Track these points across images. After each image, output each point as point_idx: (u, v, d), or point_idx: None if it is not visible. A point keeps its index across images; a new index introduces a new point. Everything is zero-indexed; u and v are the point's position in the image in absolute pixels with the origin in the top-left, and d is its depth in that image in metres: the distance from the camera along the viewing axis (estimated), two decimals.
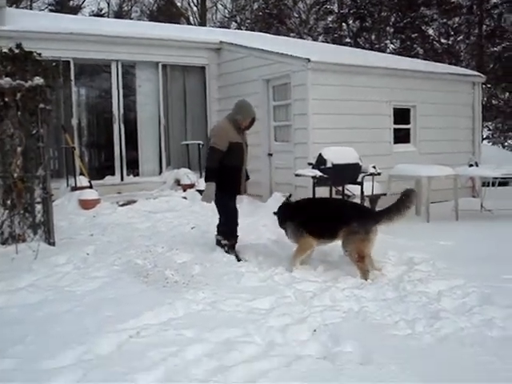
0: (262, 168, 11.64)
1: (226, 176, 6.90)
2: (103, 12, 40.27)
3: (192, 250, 6.98)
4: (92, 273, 6.00)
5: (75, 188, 10.64)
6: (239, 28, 34.71)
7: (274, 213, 6.93)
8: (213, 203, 7.12)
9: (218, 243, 7.09)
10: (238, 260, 6.73)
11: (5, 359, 3.78)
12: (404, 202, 6.05)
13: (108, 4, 41.89)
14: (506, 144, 29.67)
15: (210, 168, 6.97)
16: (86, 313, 4.68)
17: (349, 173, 9.12)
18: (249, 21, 36.22)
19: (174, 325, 4.42)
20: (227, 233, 7.12)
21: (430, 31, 31.59)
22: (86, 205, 10.11)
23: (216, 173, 6.85)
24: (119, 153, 12.05)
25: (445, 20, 30.45)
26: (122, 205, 10.52)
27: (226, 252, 6.92)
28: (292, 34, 33.21)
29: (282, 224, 6.73)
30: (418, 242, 7.57)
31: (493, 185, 10.52)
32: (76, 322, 4.46)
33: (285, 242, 6.93)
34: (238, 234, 7.17)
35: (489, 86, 26.43)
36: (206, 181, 7.03)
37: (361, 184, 9.23)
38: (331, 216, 6.23)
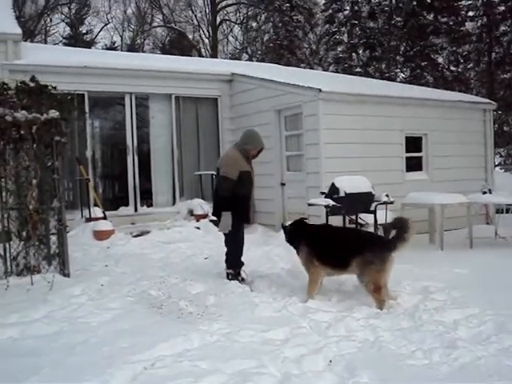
0: (275, 198, 11.67)
1: (235, 205, 6.95)
2: (116, 45, 40.97)
3: (206, 281, 6.99)
4: (106, 304, 6.00)
5: (89, 219, 10.71)
6: (250, 59, 35.12)
7: (284, 226, 6.87)
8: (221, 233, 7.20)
9: (227, 276, 7.14)
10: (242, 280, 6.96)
11: None
12: (403, 230, 5.91)
13: (121, 37, 42.66)
14: None
15: (223, 197, 7.03)
16: (100, 344, 4.67)
17: (362, 201, 9.13)
18: (260, 52, 36.65)
19: (188, 356, 4.40)
20: (232, 262, 7.22)
21: (440, 59, 31.81)
22: (100, 236, 10.16)
23: (229, 202, 6.92)
24: (133, 184, 12.13)
25: (454, 48, 30.66)
26: (136, 235, 10.56)
27: (230, 280, 7.02)
28: (302, 65, 33.55)
29: (291, 242, 6.64)
30: (432, 271, 7.52)
31: (507, 212, 10.48)
32: (91, 354, 4.46)
33: (298, 272, 6.92)
34: (244, 261, 7.27)
35: (499, 112, 26.43)
36: (220, 210, 7.07)
37: (374, 213, 9.23)
38: (344, 246, 6.13)
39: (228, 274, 7.17)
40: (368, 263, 5.83)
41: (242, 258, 7.34)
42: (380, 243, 6.17)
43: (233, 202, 6.95)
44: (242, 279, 7.10)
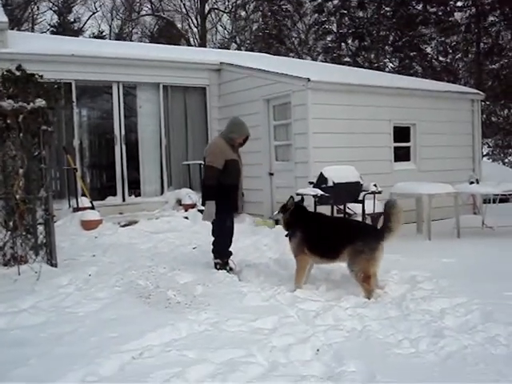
0: (264, 187, 11.67)
1: (223, 194, 6.95)
2: (104, 34, 40.64)
3: (194, 271, 7.00)
4: (94, 294, 5.98)
5: (77, 209, 10.67)
6: (239, 49, 34.99)
7: (285, 207, 6.62)
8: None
9: (215, 266, 7.14)
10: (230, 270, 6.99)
11: (8, 382, 3.76)
12: (392, 214, 5.91)
13: (110, 26, 42.32)
14: (506, 161, 29.71)
15: (208, 186, 7.04)
16: (88, 334, 4.66)
17: (350, 191, 9.15)
18: (248, 41, 36.51)
19: (176, 346, 4.39)
20: (220, 252, 7.22)
21: (429, 49, 31.86)
22: (88, 226, 10.13)
23: (215, 191, 6.92)
24: (121, 173, 12.08)
25: (443, 38, 30.70)
26: (124, 225, 10.54)
27: (218, 269, 7.02)
28: (291, 54, 33.49)
29: (288, 225, 6.49)
30: (420, 260, 7.56)
31: (494, 202, 10.53)
32: (79, 344, 4.45)
33: (286, 261, 6.95)
34: (232, 251, 7.29)
35: (488, 103, 26.53)
36: (204, 199, 7.10)
37: (362, 202, 9.25)
38: (336, 236, 6.12)
39: (216, 264, 7.17)
40: (359, 253, 5.83)
41: (231, 248, 7.34)
42: (370, 232, 6.20)
43: (219, 191, 6.93)
44: (230, 269, 7.10)
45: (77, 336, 4.65)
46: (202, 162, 12.24)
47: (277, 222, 7.15)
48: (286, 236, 6.50)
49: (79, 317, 5.21)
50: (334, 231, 6.25)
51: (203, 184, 7.33)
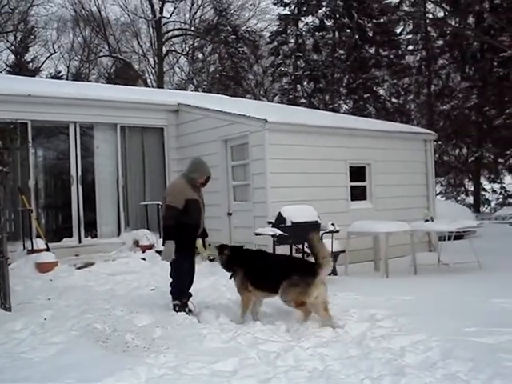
0: (222, 227, 11.63)
1: (182, 234, 6.89)
2: (61, 74, 40.52)
3: (152, 313, 6.87)
4: (50, 338, 5.81)
5: (32, 251, 10.43)
6: (196, 90, 35.26)
7: (220, 249, 6.93)
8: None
9: (174, 308, 7.04)
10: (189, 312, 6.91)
11: None
12: (316, 249, 6.23)
13: (67, 67, 42.24)
14: (458, 199, 30.43)
15: (167, 226, 7.01)
16: (44, 380, 4.52)
17: (308, 230, 9.16)
18: (206, 83, 36.88)
19: None
20: (178, 293, 7.12)
21: (381, 91, 32.76)
22: (43, 268, 9.90)
23: (173, 231, 6.86)
24: (77, 214, 11.89)
25: (395, 81, 31.66)
26: (80, 267, 10.34)
27: (177, 311, 6.91)
28: (248, 96, 33.92)
29: (227, 267, 6.82)
30: (378, 298, 7.61)
31: (448, 239, 10.72)
32: None
33: None
34: (192, 293, 7.23)
35: (440, 143, 27.27)
36: (164, 239, 7.02)
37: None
38: (275, 270, 6.42)
39: (174, 306, 7.06)
40: (292, 286, 6.09)
41: (191, 289, 7.26)
42: (306, 267, 6.38)
43: (179, 232, 6.88)
44: (190, 310, 7.00)
45: (32, 382, 4.50)
46: (160, 203, 12.24)
47: (212, 260, 7.31)
48: (230, 278, 6.81)
49: (34, 362, 5.06)
50: (272, 265, 6.59)
51: (163, 224, 7.27)
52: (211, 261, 7.39)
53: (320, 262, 6.10)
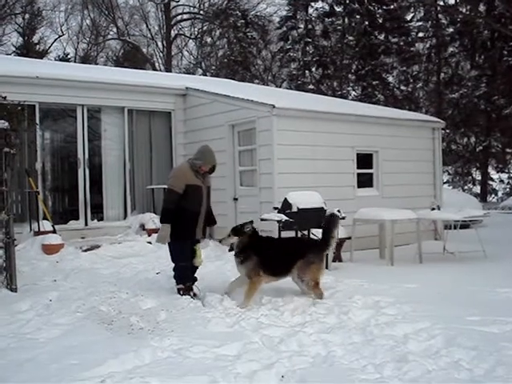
0: (228, 213, 11.64)
1: (181, 219, 6.94)
2: (69, 57, 40.45)
3: (157, 296, 6.92)
4: (55, 320, 5.86)
5: (38, 233, 10.48)
6: (204, 74, 35.17)
7: (237, 231, 6.97)
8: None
9: (178, 292, 7.07)
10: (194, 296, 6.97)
11: None
12: (330, 226, 7.11)
13: (75, 49, 42.16)
14: (465, 188, 30.35)
15: (165, 209, 7.09)
16: (49, 361, 4.55)
17: (314, 217, 9.20)
18: (214, 67, 36.74)
19: (139, 373, 4.32)
20: (181, 277, 7.15)
21: (390, 79, 32.56)
22: (50, 250, 9.95)
23: (172, 214, 6.92)
24: (83, 197, 11.93)
25: (404, 68, 31.44)
26: (86, 250, 10.38)
27: (181, 295, 6.95)
28: (256, 81, 33.77)
29: (241, 251, 6.83)
30: (383, 286, 7.62)
31: (454, 228, 10.69)
32: (39, 371, 4.34)
33: None
34: (197, 277, 7.29)
35: (448, 131, 27.15)
36: (161, 222, 7.10)
37: None
38: (288, 253, 6.88)
39: (179, 290, 7.09)
40: (310, 263, 6.72)
41: (196, 274, 7.29)
42: (316, 245, 7.16)
43: (178, 216, 6.91)
44: (194, 294, 7.03)
45: (37, 363, 4.54)
46: (166, 187, 12.28)
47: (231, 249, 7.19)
48: (236, 256, 6.87)
49: (39, 343, 5.09)
50: (285, 250, 6.99)
51: (162, 206, 7.33)
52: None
53: (329, 241, 7.00)
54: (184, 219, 6.96)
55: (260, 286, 6.66)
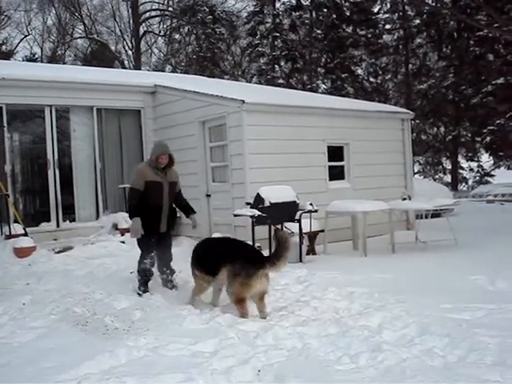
0: (201, 209, 11.61)
1: (144, 214, 7.13)
2: (37, 57, 39.90)
3: (132, 295, 6.92)
4: (29, 323, 5.81)
5: (9, 236, 10.35)
6: (174, 71, 34.99)
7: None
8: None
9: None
10: (139, 295, 7.04)
11: None
12: (283, 245, 5.89)
13: (41, 49, 41.60)
14: (436, 177, 30.71)
15: (131, 205, 7.31)
16: (24, 365, 4.52)
17: (287, 211, 9.25)
18: (183, 64, 36.57)
19: (115, 373, 4.31)
20: (141, 282, 7.33)
21: (359, 71, 32.81)
22: (21, 253, 9.83)
23: (137, 209, 7.13)
24: (54, 198, 11.79)
25: (373, 60, 31.69)
26: (59, 252, 10.26)
27: (138, 288, 7.19)
28: (226, 77, 33.72)
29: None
30: (356, 277, 7.69)
31: (426, 217, 10.82)
32: (15, 375, 4.31)
33: None
34: (174, 269, 7.39)
35: (417, 122, 27.44)
36: (130, 218, 7.31)
37: (299, 221, 9.36)
38: (217, 255, 6.34)
39: (138, 293, 7.17)
40: (235, 275, 5.89)
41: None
42: (252, 257, 6.14)
43: (141, 212, 7.11)
44: (174, 286, 7.20)
45: (12, 367, 4.51)
46: None
47: None
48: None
49: (14, 347, 5.05)
50: (216, 251, 6.50)
51: (127, 204, 7.59)
52: None
53: (278, 261, 5.86)
54: (147, 214, 7.14)
55: (198, 286, 6.54)
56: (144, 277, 7.32)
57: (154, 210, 7.23)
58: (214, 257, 6.33)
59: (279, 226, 9.30)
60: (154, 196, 7.19)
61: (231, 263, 5.98)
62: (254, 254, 6.30)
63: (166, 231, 7.47)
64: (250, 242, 8.63)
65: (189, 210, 7.68)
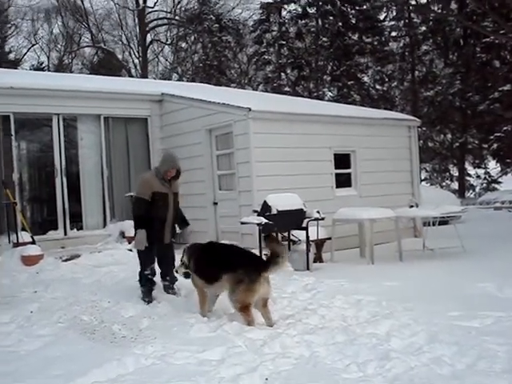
0: (208, 217, 11.64)
1: (149, 225, 7.06)
2: (44, 66, 40.13)
3: (139, 303, 6.91)
4: (37, 331, 5.82)
5: (17, 244, 10.38)
6: (180, 79, 35.11)
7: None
8: None
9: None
10: (146, 302, 7.01)
11: None
12: (276, 254, 5.80)
13: (48, 58, 41.82)
14: (443, 184, 30.64)
15: (137, 216, 7.18)
16: (31, 373, 4.52)
17: (294, 218, 9.24)
18: (190, 72, 36.69)
19: (123, 381, 4.32)
20: (144, 292, 7.30)
21: (366, 78, 32.81)
22: (29, 261, 9.85)
23: (144, 220, 7.04)
24: (62, 206, 11.83)
25: (379, 67, 31.69)
26: (66, 260, 10.29)
27: (143, 299, 7.12)
28: (233, 85, 33.82)
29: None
30: (364, 284, 7.66)
31: (433, 224, 10.78)
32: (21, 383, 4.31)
33: None
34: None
35: (424, 129, 27.40)
36: (135, 229, 7.17)
37: (306, 229, 9.35)
38: (218, 262, 6.17)
39: (142, 292, 7.26)
40: (238, 281, 5.80)
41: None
42: (253, 263, 6.09)
43: (147, 223, 7.03)
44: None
45: (19, 376, 4.51)
46: None
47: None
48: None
49: (21, 356, 5.06)
50: (217, 258, 6.30)
51: (133, 214, 7.39)
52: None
53: (279, 260, 5.77)
54: (152, 225, 7.07)
55: (202, 293, 6.35)
56: (147, 287, 7.30)
57: (160, 221, 7.18)
58: (214, 264, 6.21)
59: (286, 234, 9.29)
60: (160, 207, 7.13)
61: (232, 270, 5.87)
62: (254, 259, 6.31)
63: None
64: (257, 250, 8.63)
65: (183, 222, 7.65)
